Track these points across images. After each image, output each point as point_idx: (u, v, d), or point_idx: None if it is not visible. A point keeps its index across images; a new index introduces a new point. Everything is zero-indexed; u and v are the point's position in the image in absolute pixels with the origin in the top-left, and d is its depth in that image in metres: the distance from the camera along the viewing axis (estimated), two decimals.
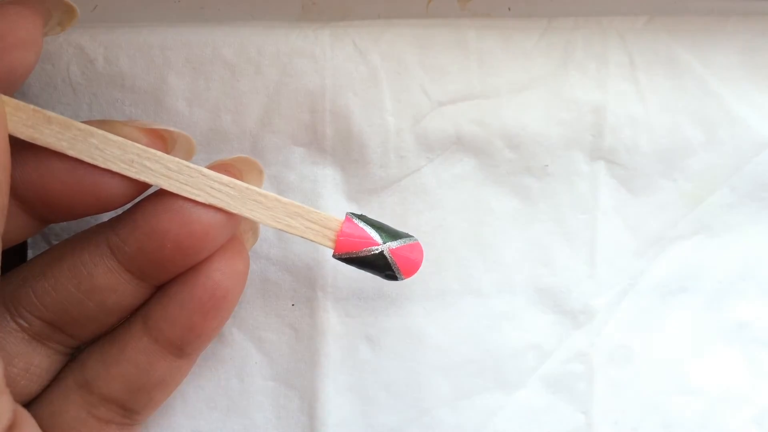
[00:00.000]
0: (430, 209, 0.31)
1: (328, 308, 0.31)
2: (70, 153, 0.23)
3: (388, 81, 0.29)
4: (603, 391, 0.32)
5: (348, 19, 0.30)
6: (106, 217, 0.28)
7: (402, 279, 0.27)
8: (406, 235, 0.27)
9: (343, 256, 0.26)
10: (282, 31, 0.29)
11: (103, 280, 0.25)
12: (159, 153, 0.24)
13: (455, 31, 0.30)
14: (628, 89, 0.30)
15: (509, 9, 0.31)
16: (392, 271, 0.27)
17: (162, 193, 0.25)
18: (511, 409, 0.31)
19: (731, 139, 0.31)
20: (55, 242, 0.30)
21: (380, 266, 0.27)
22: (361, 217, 0.27)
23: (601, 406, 0.32)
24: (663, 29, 0.30)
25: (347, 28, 0.30)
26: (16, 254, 0.30)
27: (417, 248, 0.27)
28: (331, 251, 0.26)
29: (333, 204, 0.30)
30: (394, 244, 0.27)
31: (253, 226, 0.29)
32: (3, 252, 0.24)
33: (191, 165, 0.24)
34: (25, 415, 0.24)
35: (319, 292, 0.31)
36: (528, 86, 0.30)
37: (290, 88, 0.29)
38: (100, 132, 0.24)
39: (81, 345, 0.27)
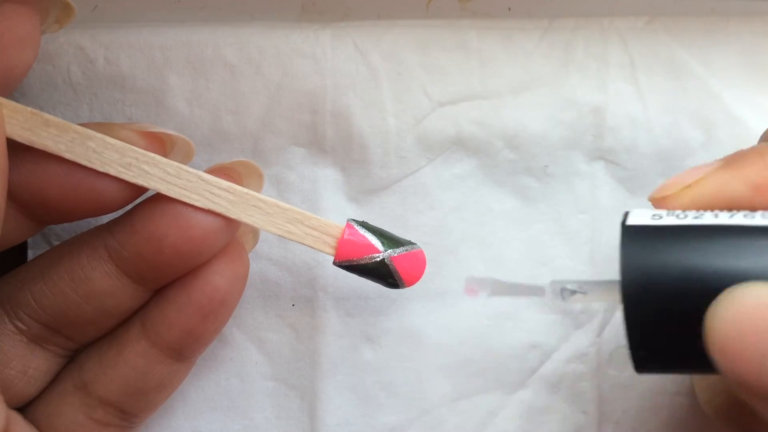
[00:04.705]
0: (430, 209, 0.31)
1: (328, 308, 0.31)
2: (68, 156, 0.23)
3: (388, 81, 0.29)
4: (603, 391, 0.32)
5: (348, 19, 0.30)
6: (106, 218, 0.28)
7: (404, 287, 0.27)
8: (409, 243, 0.27)
9: (343, 264, 0.26)
10: (282, 32, 0.29)
11: (100, 284, 0.25)
12: (157, 157, 0.24)
13: (455, 31, 0.30)
14: (628, 90, 0.30)
15: (510, 9, 0.30)
16: (394, 279, 0.26)
17: (160, 197, 0.24)
18: (511, 409, 0.31)
19: (731, 139, 0.30)
20: (55, 242, 0.30)
21: (381, 274, 0.26)
22: (363, 224, 0.26)
23: (602, 406, 0.32)
24: (663, 30, 0.30)
25: (348, 29, 0.30)
26: (17, 255, 0.30)
27: (419, 256, 0.27)
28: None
29: (333, 204, 0.30)
30: (395, 252, 0.26)
31: (253, 228, 0.29)
32: (2, 253, 0.24)
33: (190, 169, 0.24)
34: (19, 421, 0.24)
35: (319, 292, 0.31)
36: (528, 87, 0.30)
37: (291, 88, 0.29)
38: (98, 135, 0.24)
39: (79, 347, 0.27)
